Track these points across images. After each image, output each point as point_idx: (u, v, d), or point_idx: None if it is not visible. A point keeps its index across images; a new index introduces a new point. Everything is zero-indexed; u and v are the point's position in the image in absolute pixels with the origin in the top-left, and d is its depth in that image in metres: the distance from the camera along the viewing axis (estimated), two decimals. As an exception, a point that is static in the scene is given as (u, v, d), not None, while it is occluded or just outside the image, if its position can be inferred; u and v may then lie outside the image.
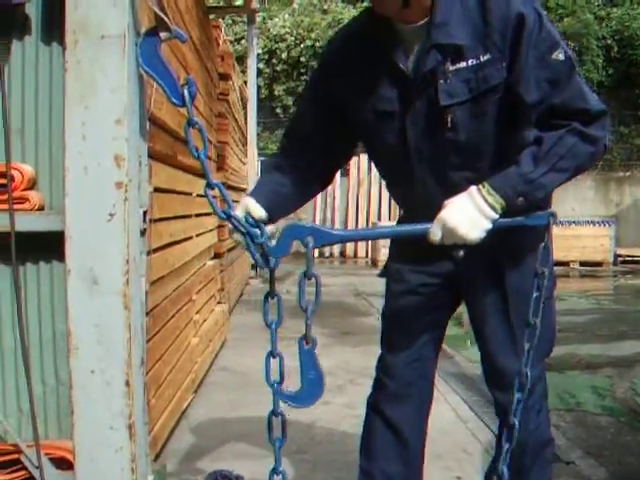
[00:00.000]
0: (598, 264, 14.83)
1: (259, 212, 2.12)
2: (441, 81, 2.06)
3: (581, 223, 15.07)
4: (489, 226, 2.00)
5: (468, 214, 2.00)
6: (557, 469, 3.40)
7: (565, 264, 14.30)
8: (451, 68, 2.05)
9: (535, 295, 2.07)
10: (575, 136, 2.01)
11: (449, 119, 2.09)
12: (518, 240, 2.21)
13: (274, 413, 2.04)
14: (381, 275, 2.55)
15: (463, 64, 2.04)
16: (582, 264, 14.62)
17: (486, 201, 1.99)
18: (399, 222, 2.46)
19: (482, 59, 2.03)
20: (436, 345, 2.51)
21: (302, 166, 2.30)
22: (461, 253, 2.09)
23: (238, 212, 2.07)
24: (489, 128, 2.12)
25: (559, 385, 5.21)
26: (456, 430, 3.91)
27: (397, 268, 2.45)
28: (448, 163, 2.17)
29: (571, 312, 8.66)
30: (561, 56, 2.01)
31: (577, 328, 7.59)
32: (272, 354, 2.01)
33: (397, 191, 2.44)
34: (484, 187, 2.01)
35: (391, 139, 2.21)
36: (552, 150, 2.00)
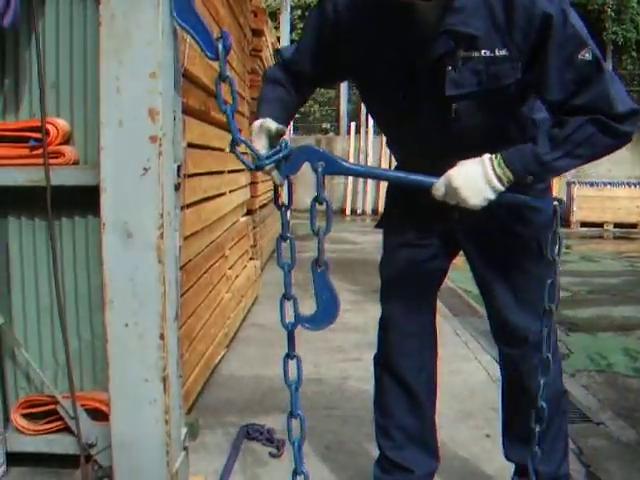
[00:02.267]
0: (633, 226, 14.59)
1: (279, 128, 2.08)
2: (449, 68, 2.00)
3: (616, 184, 14.84)
4: (492, 196, 1.99)
5: (475, 179, 1.99)
6: (587, 429, 3.40)
7: (599, 225, 14.15)
8: (462, 54, 1.98)
9: (549, 281, 2.05)
10: (596, 125, 1.96)
11: (453, 108, 2.07)
12: (522, 211, 2.23)
13: (292, 414, 2.10)
14: (378, 226, 2.55)
15: (476, 54, 1.98)
16: (616, 225, 14.41)
17: (495, 172, 1.98)
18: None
19: (497, 53, 1.96)
20: (434, 295, 2.53)
21: (297, 83, 2.28)
22: (456, 215, 2.11)
23: (258, 136, 2.07)
24: (494, 116, 2.09)
25: (590, 347, 5.18)
26: (486, 389, 3.91)
27: (394, 221, 2.46)
28: (449, 140, 2.13)
29: (604, 274, 8.59)
30: (588, 56, 1.93)
31: (610, 290, 7.53)
32: (286, 297, 2.05)
33: (397, 149, 2.44)
34: (496, 158, 1.98)
35: (392, 106, 2.18)
36: (571, 136, 1.97)
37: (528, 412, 2.15)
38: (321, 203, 1.96)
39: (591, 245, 11.65)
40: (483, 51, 1.96)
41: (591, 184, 14.21)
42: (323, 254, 1.95)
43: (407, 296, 2.44)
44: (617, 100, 1.95)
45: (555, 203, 2.04)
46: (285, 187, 2.09)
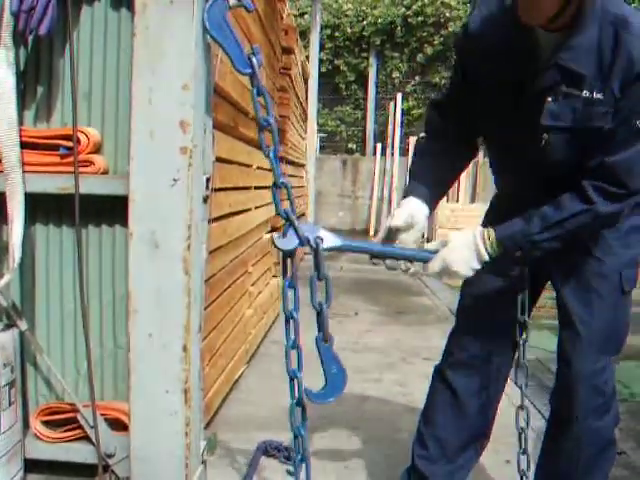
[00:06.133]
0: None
1: (423, 214, 2.24)
2: (550, 99, 2.06)
3: None
4: (479, 267, 2.15)
5: (465, 254, 2.13)
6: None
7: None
8: (564, 90, 2.05)
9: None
10: (590, 217, 2.08)
11: (544, 138, 2.12)
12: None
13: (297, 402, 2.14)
14: None
15: (577, 92, 2.03)
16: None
17: (487, 250, 2.12)
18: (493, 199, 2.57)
19: (594, 96, 2.02)
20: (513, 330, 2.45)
21: (453, 143, 2.35)
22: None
23: (400, 218, 2.20)
24: (579, 153, 2.12)
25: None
26: (508, 414, 3.86)
27: None
28: (537, 168, 2.20)
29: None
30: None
31: (634, 318, 7.41)
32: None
33: (495, 169, 2.50)
34: (489, 238, 2.12)
35: (493, 128, 2.29)
36: (564, 222, 2.08)
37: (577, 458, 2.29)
38: (321, 280, 2.04)
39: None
40: (584, 92, 2.02)
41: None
42: (328, 328, 2.04)
43: (484, 321, 2.43)
44: (636, 176, 2.06)
45: None
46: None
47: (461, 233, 2.17)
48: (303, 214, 10.28)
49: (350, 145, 17.72)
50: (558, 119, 2.08)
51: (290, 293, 2.11)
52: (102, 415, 2.44)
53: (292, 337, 2.09)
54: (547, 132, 2.10)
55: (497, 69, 2.12)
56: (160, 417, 2.26)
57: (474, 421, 2.52)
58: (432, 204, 2.29)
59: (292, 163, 8.05)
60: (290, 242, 2.07)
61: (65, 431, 2.53)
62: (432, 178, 2.31)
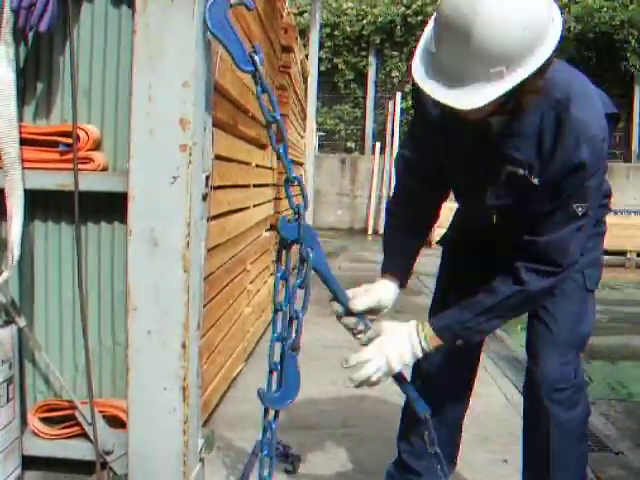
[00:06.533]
0: (657, 255, 14.43)
1: (390, 299, 2.35)
2: (495, 177, 2.15)
3: (641, 213, 14.72)
4: (411, 362, 2.23)
5: (397, 350, 2.16)
6: (605, 459, 3.36)
7: (622, 254, 13.99)
8: (509, 169, 2.11)
9: None
10: (523, 297, 2.15)
11: (494, 216, 2.27)
12: None
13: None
14: (439, 243, 2.70)
15: (521, 171, 2.09)
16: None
17: (422, 347, 2.18)
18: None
19: (533, 181, 2.08)
20: None
21: (422, 201, 2.42)
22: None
23: (365, 305, 2.26)
24: (525, 218, 2.18)
25: (611, 375, 5.12)
26: (505, 413, 3.88)
27: (457, 241, 2.59)
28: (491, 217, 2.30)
29: (625, 302, 8.50)
30: (581, 210, 2.05)
31: (631, 319, 7.45)
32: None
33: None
34: (423, 331, 2.18)
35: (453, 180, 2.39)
36: (497, 306, 2.15)
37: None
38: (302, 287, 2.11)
39: (613, 273, 11.52)
40: (523, 172, 2.09)
41: (615, 212, 14.05)
42: (300, 338, 2.12)
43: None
44: (572, 251, 2.12)
45: None
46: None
47: (395, 325, 2.21)
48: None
49: (349, 144, 17.72)
50: (500, 199, 2.18)
51: (280, 284, 2.16)
52: (100, 412, 2.44)
53: (278, 330, 2.16)
54: (493, 211, 2.25)
55: (449, 133, 2.16)
56: (158, 414, 2.26)
57: (452, 410, 2.62)
58: (406, 276, 2.43)
59: (291, 162, 8.03)
60: (290, 233, 2.11)
61: (63, 428, 2.53)
62: (405, 253, 2.43)
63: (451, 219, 2.67)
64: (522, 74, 1.80)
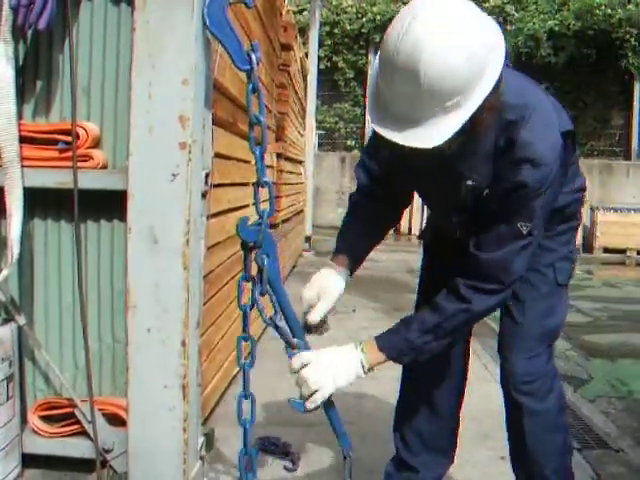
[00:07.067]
0: (657, 253, 14.44)
1: (336, 289, 2.32)
2: (458, 194, 2.15)
3: (640, 211, 14.71)
4: (351, 380, 2.14)
5: (342, 369, 2.12)
6: (605, 456, 3.36)
7: (622, 251, 14.00)
8: (469, 184, 2.12)
9: None
10: (468, 315, 2.14)
11: (457, 230, 2.33)
12: None
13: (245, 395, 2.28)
14: (420, 237, 2.77)
15: (475, 184, 2.11)
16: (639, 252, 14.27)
17: (364, 369, 2.13)
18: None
19: (484, 192, 2.10)
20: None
21: (382, 204, 2.41)
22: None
23: (310, 292, 2.31)
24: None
25: (611, 373, 5.12)
26: (503, 411, 3.88)
27: (434, 241, 2.63)
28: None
29: (625, 300, 8.50)
30: (525, 229, 2.05)
31: (631, 316, 7.45)
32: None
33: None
34: (364, 351, 2.14)
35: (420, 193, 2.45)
36: (442, 324, 2.12)
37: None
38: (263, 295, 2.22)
39: (613, 271, 11.54)
40: (476, 184, 2.10)
41: (615, 210, 14.04)
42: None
43: None
44: (516, 269, 2.10)
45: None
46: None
47: (340, 350, 2.17)
48: (301, 211, 10.28)
49: (349, 142, 17.73)
50: (462, 214, 2.23)
51: (246, 286, 2.20)
52: (100, 410, 2.44)
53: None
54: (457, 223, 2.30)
55: (404, 156, 2.08)
56: (158, 412, 2.26)
57: (447, 406, 2.62)
58: (354, 268, 2.39)
59: (290, 160, 8.04)
60: (249, 235, 2.13)
61: (63, 426, 2.53)
62: (358, 244, 2.41)
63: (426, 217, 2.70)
64: (478, 97, 1.80)
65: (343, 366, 2.12)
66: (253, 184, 2.15)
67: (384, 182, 2.37)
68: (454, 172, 2.10)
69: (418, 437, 2.59)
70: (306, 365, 2.12)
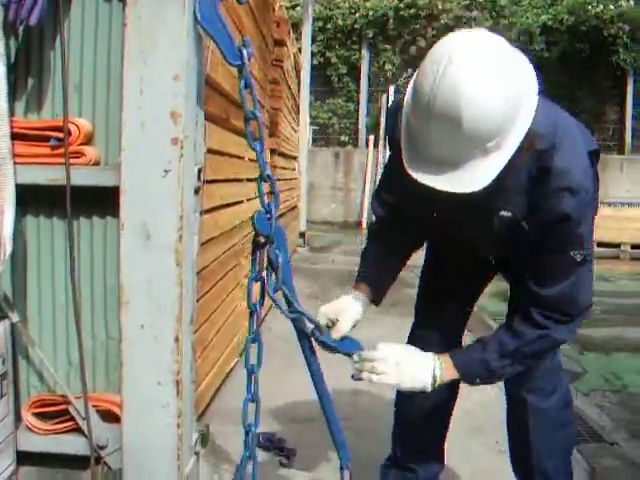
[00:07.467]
0: (651, 247, 14.44)
1: (351, 316, 2.35)
2: (493, 229, 2.14)
3: (635, 205, 14.70)
4: (416, 388, 2.14)
5: (415, 376, 2.13)
6: (600, 450, 3.38)
7: (616, 246, 14.01)
8: (502, 214, 2.09)
9: None
10: (546, 342, 2.12)
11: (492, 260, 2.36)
12: None
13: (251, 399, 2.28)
14: None
15: (510, 215, 2.08)
16: (634, 247, 14.24)
17: (434, 380, 2.12)
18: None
19: (521, 223, 2.08)
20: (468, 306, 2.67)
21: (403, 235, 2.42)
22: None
23: (325, 317, 2.30)
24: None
25: (605, 366, 5.15)
26: (496, 404, 3.88)
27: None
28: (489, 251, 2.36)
29: (619, 294, 8.54)
30: (579, 257, 2.04)
31: (624, 310, 7.48)
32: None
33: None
34: (442, 366, 2.13)
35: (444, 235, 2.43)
36: (521, 348, 2.10)
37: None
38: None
39: (607, 265, 11.55)
40: (512, 215, 2.08)
41: (609, 204, 14.06)
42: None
43: (441, 308, 2.56)
44: (582, 299, 2.10)
45: None
46: None
47: (419, 357, 2.18)
48: (295, 207, 10.28)
49: (342, 137, 17.72)
50: (500, 250, 2.25)
51: (255, 287, 2.19)
52: (94, 407, 2.44)
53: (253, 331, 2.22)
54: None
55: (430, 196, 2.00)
56: (152, 409, 2.25)
57: (443, 411, 2.65)
58: (377, 297, 2.44)
59: (284, 155, 8.04)
60: (265, 227, 2.14)
61: (57, 423, 2.52)
62: (380, 274, 2.43)
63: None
64: (518, 136, 1.80)
65: (417, 369, 2.14)
66: (256, 179, 2.16)
67: (401, 214, 2.36)
68: (486, 206, 2.06)
69: (417, 439, 2.61)
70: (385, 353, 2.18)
